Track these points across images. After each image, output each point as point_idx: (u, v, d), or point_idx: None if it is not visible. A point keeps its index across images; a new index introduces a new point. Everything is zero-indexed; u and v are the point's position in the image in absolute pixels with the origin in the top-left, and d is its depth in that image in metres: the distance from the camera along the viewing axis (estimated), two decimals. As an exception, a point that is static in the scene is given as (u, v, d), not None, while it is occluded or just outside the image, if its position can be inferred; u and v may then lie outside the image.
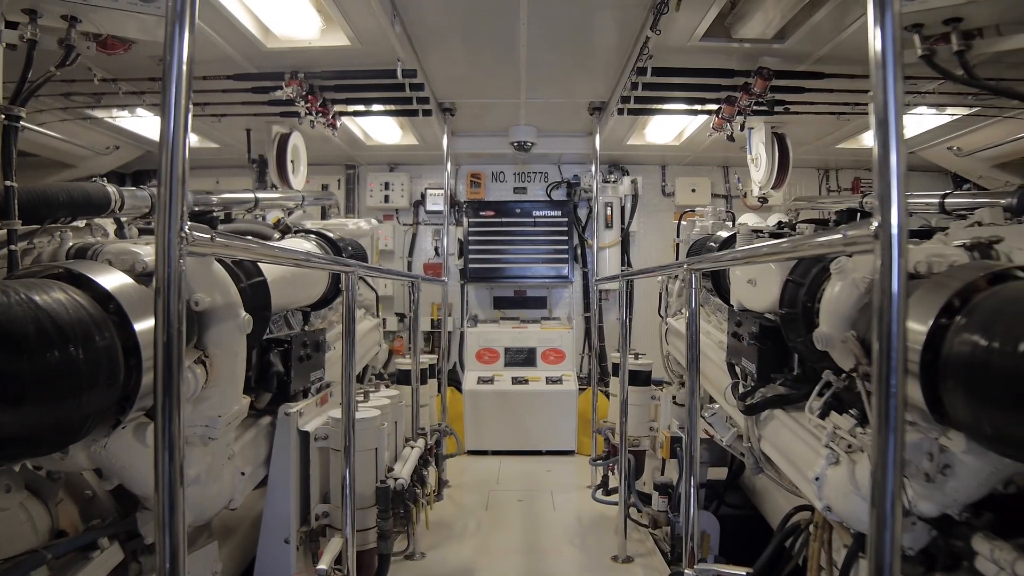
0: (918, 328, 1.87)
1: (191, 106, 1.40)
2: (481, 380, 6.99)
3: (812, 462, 2.58)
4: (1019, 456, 1.71)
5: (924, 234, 3.00)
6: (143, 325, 2.00)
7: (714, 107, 5.33)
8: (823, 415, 2.60)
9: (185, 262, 1.38)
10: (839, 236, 1.40)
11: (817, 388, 2.69)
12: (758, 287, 3.14)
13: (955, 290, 1.86)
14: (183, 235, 1.37)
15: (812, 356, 2.73)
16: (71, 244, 2.52)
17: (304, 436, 3.03)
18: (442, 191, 7.16)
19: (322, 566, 2.42)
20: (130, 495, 2.44)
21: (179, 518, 1.34)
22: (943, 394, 1.81)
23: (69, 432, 1.81)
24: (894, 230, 1.25)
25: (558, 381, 6.97)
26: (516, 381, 6.96)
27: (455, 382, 7.30)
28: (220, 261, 2.51)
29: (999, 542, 1.96)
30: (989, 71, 4.05)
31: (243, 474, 2.79)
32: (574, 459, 6.82)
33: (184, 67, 1.37)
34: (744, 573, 2.27)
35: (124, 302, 1.98)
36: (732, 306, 3.51)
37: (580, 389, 7.06)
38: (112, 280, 2.04)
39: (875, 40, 1.27)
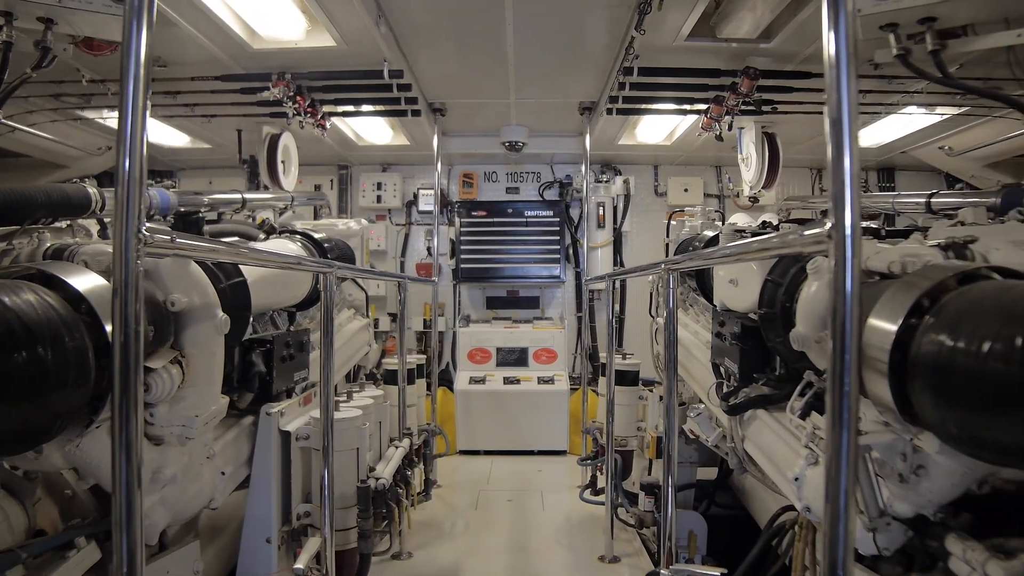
0: (887, 328, 1.87)
1: (148, 103, 1.40)
2: (473, 380, 6.99)
3: (792, 462, 2.58)
4: (984, 456, 1.71)
5: (906, 234, 3.00)
6: (117, 326, 2.00)
7: (703, 107, 5.33)
8: (804, 415, 2.60)
9: (143, 263, 1.38)
10: (796, 236, 1.40)
11: (798, 388, 2.69)
12: (740, 287, 3.14)
13: (924, 290, 1.85)
14: (141, 236, 1.37)
15: (791, 356, 2.73)
16: (49, 245, 2.52)
17: (285, 436, 3.03)
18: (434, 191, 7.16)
19: (299, 565, 2.42)
20: (108, 494, 2.45)
21: (136, 520, 1.35)
22: (912, 394, 1.81)
23: (38, 432, 1.81)
24: (847, 230, 1.25)
25: (550, 381, 6.98)
26: (508, 381, 6.97)
27: (447, 382, 7.31)
28: (199, 262, 2.52)
29: (972, 542, 1.96)
30: (978, 71, 4.04)
31: (223, 474, 2.79)
32: (566, 459, 6.82)
33: (142, 65, 1.37)
34: (718, 574, 2.27)
35: (96, 303, 1.98)
36: (715, 306, 3.51)
37: (572, 389, 7.07)
38: (85, 281, 2.04)
39: (829, 42, 1.27)
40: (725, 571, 2.31)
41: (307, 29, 4.14)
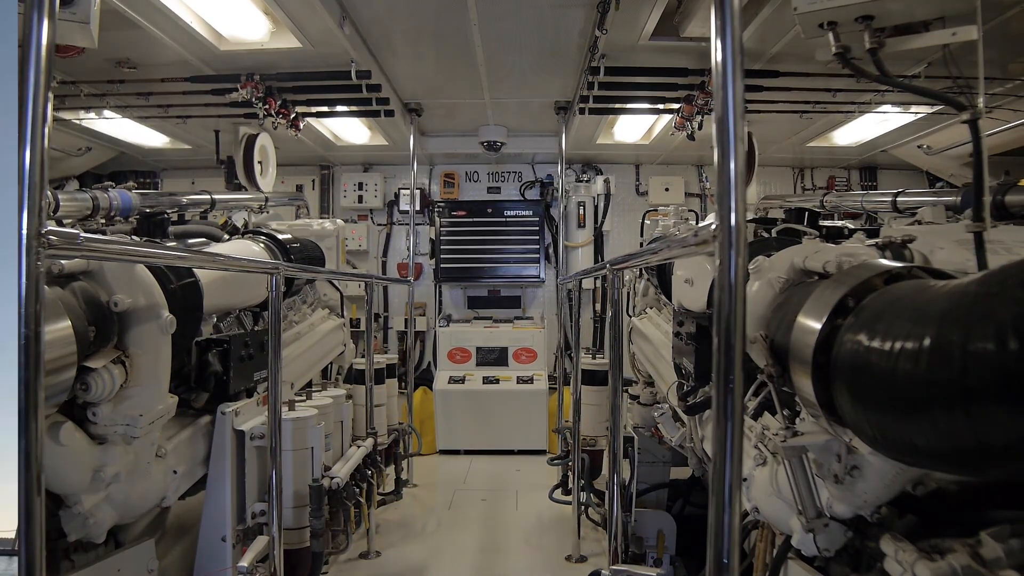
0: (812, 327, 1.87)
1: (50, 96, 1.39)
2: (452, 379, 7.00)
3: (743, 463, 2.58)
4: (899, 458, 1.71)
5: (871, 233, 3.01)
6: (50, 327, 2.02)
7: (675, 106, 5.34)
8: (756, 416, 2.60)
9: (43, 264, 1.38)
10: (691, 236, 1.41)
11: (752, 388, 2.69)
12: (695, 287, 3.14)
13: (849, 289, 1.86)
14: (42, 238, 1.37)
15: (738, 356, 2.74)
16: (-5, 246, 2.54)
17: (240, 435, 3.04)
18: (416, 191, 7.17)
19: (243, 563, 2.43)
20: (52, 494, 2.46)
21: (36, 527, 1.34)
22: (834, 395, 1.82)
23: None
24: (731, 230, 1.26)
25: (529, 381, 6.99)
26: (487, 381, 6.97)
27: (428, 381, 7.31)
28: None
29: (904, 543, 1.96)
30: (944, 70, 4.04)
31: (176, 472, 2.80)
32: (544, 459, 6.82)
33: (43, 60, 1.36)
34: (654, 574, 2.28)
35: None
36: (675, 306, 3.52)
37: (552, 389, 7.07)
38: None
39: (716, 47, 1.28)
40: (661, 571, 2.32)
41: (271, 31, 4.15)
